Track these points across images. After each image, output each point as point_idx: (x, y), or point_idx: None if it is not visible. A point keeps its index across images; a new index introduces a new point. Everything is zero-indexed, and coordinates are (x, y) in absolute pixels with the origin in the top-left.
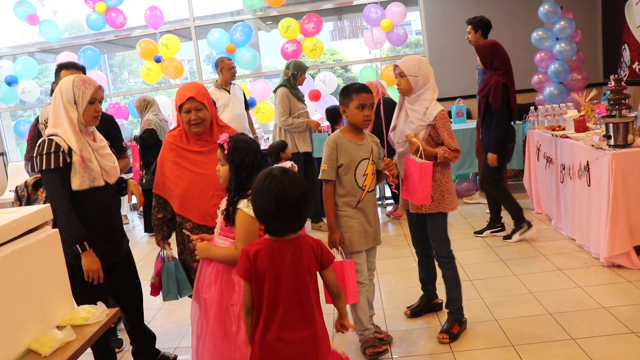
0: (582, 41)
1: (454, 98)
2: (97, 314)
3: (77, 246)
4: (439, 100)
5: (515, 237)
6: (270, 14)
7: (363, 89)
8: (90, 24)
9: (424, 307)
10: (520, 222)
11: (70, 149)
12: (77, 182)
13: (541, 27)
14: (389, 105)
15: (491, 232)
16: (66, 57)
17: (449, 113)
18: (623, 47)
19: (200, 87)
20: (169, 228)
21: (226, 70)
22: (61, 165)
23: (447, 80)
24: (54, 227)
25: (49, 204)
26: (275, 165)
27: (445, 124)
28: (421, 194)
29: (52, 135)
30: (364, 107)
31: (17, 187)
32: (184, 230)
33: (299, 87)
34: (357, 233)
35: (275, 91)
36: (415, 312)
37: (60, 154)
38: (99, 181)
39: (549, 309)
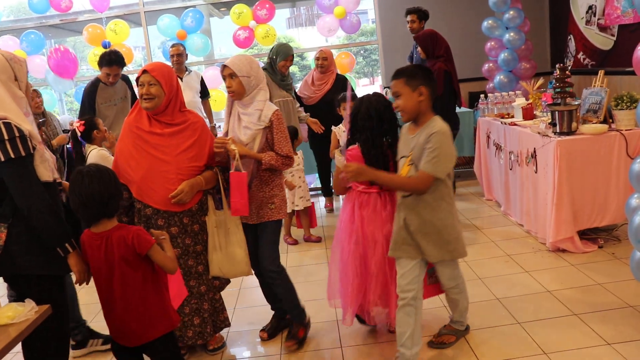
0: (531, 31)
1: None
2: (24, 312)
3: (67, 245)
4: (389, 88)
5: None
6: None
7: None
8: (33, 7)
9: (278, 325)
10: None
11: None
12: (47, 173)
13: (492, 16)
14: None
15: None
16: (7, 41)
17: None
18: (569, 37)
19: (161, 65)
20: (128, 217)
21: (170, 57)
22: (31, 152)
23: None
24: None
25: None
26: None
27: (280, 126)
28: (235, 205)
29: (3, 119)
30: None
31: None
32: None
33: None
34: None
35: None
36: (271, 332)
37: (28, 139)
38: (56, 174)
39: (497, 294)
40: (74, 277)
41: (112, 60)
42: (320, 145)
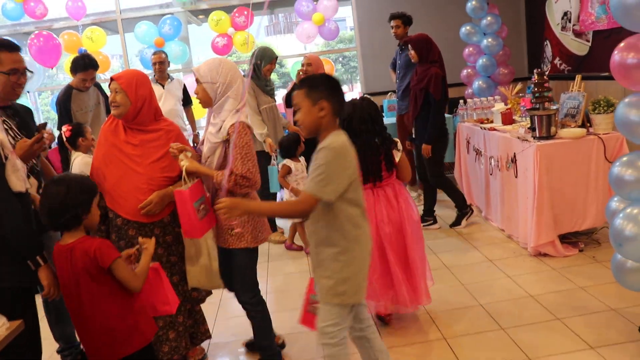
0: (508, 37)
1: (386, 92)
2: None
3: (38, 258)
4: (370, 94)
5: (464, 222)
6: (200, 7)
7: None
8: (6, 14)
9: None
10: (465, 207)
11: None
12: (19, 183)
13: (469, 22)
14: None
15: (424, 226)
16: None
17: (381, 107)
18: (545, 43)
19: (130, 74)
20: (105, 225)
21: (153, 65)
22: (3, 161)
23: (379, 75)
24: None
25: None
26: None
27: (239, 140)
28: (183, 226)
29: None
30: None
31: None
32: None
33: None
34: None
35: None
36: (252, 346)
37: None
38: (27, 184)
39: (480, 300)
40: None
41: (87, 64)
42: (310, 154)
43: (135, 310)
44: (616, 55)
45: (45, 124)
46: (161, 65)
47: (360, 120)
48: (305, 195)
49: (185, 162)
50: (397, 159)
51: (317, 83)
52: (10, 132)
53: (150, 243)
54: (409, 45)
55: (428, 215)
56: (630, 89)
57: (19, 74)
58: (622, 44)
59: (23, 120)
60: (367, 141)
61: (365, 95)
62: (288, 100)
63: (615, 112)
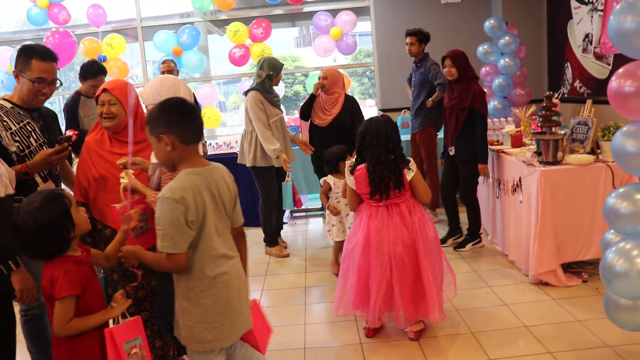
0: (526, 57)
1: (400, 109)
2: None
3: (10, 263)
4: (385, 110)
5: (469, 246)
6: (219, 17)
7: None
8: (31, 19)
9: None
10: (477, 236)
11: None
12: (2, 189)
13: (487, 41)
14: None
15: (472, 245)
16: (4, 52)
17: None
18: (566, 64)
19: (121, 83)
20: (91, 237)
21: (161, 73)
22: None
23: (395, 91)
24: None
25: None
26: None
27: None
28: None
29: None
30: None
31: None
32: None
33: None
34: None
35: (246, 94)
36: None
37: None
38: (9, 188)
39: (472, 328)
40: None
41: (96, 70)
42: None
43: (98, 343)
44: (613, 82)
45: (70, 137)
46: (170, 73)
47: (373, 134)
48: (164, 256)
49: (124, 180)
50: (408, 178)
51: (154, 117)
52: (33, 134)
53: (121, 306)
54: (447, 62)
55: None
56: (626, 118)
57: (46, 83)
58: (620, 70)
59: (47, 124)
60: (377, 155)
61: (385, 114)
62: (303, 112)
63: (612, 141)
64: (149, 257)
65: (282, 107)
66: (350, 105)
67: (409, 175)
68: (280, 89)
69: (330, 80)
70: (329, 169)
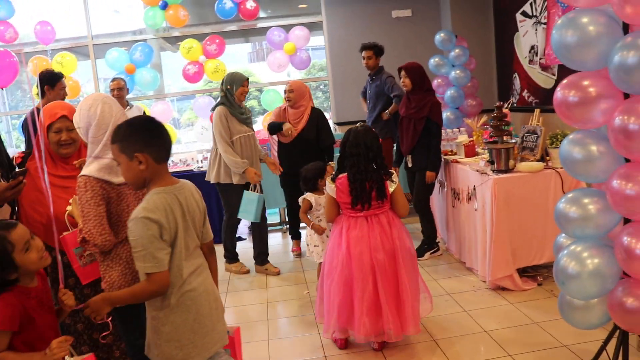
0: (476, 69)
1: (356, 122)
2: None
3: None
4: (340, 124)
5: (427, 255)
6: (172, 34)
7: None
8: None
9: None
10: (434, 244)
11: None
12: None
13: (438, 54)
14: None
15: (431, 254)
16: None
17: None
18: (514, 75)
19: (73, 108)
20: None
21: (111, 91)
22: None
23: (350, 105)
24: None
25: None
26: None
27: (80, 197)
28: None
29: None
30: None
31: None
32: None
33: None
34: None
35: (213, 109)
36: None
37: None
38: None
39: (434, 335)
40: None
41: (59, 74)
42: (292, 186)
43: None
44: (559, 92)
45: (25, 171)
46: (120, 91)
47: (353, 144)
48: (144, 281)
49: (70, 207)
50: (390, 190)
51: (126, 135)
52: None
53: (54, 355)
54: (402, 73)
55: (432, 244)
56: (572, 126)
57: None
58: (564, 81)
59: None
60: (357, 164)
61: (364, 124)
62: (271, 128)
63: (560, 149)
64: (124, 295)
65: (253, 125)
66: (316, 119)
67: (391, 187)
68: None
69: (297, 94)
70: (307, 187)
